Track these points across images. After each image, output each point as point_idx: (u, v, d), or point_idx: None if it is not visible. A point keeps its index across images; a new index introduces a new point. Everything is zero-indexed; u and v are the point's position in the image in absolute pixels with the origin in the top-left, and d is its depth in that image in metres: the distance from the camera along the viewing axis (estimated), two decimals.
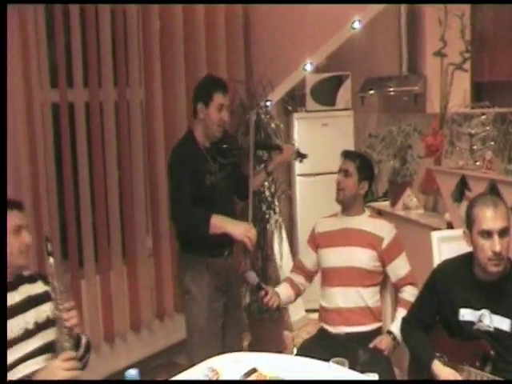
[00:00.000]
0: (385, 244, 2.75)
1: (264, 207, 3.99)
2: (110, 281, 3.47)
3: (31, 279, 2.14)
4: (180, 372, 2.07)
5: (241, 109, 3.98)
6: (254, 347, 3.75)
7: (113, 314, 3.50)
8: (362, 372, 2.04)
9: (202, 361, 2.17)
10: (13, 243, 2.00)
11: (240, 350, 2.33)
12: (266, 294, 2.70)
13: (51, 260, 2.01)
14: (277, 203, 4.10)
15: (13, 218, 2.01)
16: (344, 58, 4.72)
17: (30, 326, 2.04)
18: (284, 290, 2.87)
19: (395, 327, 2.62)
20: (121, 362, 3.47)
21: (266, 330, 3.90)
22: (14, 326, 1.99)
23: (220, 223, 2.66)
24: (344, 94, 4.89)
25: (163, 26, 3.68)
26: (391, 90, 4.70)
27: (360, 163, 2.84)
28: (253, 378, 1.99)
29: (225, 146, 2.86)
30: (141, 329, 3.66)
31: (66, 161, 3.24)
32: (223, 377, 1.99)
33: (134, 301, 3.62)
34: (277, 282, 4.10)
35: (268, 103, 4.10)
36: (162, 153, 3.71)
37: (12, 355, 1.95)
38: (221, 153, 2.86)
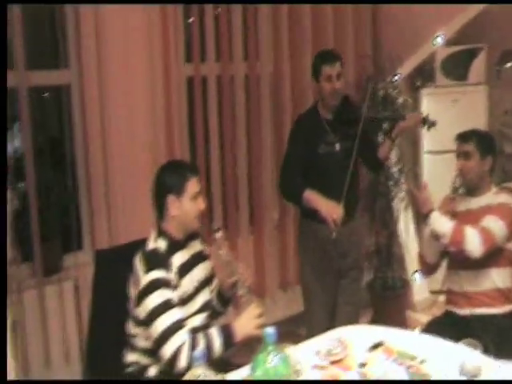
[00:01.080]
0: None
1: (391, 183, 3.81)
2: (238, 247, 3.51)
3: (194, 236, 2.18)
4: (301, 341, 2.03)
5: (368, 84, 3.80)
6: (375, 325, 3.61)
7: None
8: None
9: (319, 332, 2.13)
10: (190, 209, 2.03)
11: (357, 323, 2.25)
12: None
13: (220, 233, 2.08)
14: (403, 180, 3.90)
15: (193, 185, 2.04)
16: (478, 29, 4.31)
17: (197, 284, 2.09)
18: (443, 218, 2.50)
19: None
20: None
21: (388, 308, 3.75)
22: (187, 283, 2.05)
23: (311, 198, 2.71)
24: (477, 68, 4.47)
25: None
26: None
27: (478, 140, 2.57)
28: (379, 351, 1.92)
29: (346, 116, 2.86)
30: (264, 297, 3.68)
31: (199, 132, 3.30)
32: (351, 348, 1.92)
33: (259, 270, 3.63)
34: (400, 261, 3.98)
35: (396, 78, 3.89)
36: (290, 126, 3.62)
37: (186, 310, 2.00)
38: (344, 123, 2.86)
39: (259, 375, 1.32)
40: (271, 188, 3.65)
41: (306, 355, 1.89)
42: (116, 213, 2.94)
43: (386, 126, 3.41)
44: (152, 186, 2.08)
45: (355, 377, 1.76)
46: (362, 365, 1.82)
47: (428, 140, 4.28)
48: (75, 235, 3.02)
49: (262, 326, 1.91)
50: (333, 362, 1.85)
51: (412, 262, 3.93)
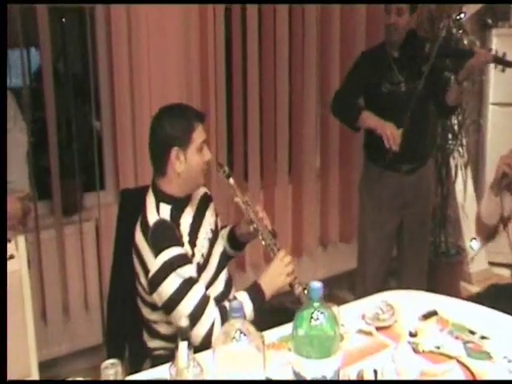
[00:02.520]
0: None
1: (449, 136, 3.68)
2: (274, 198, 3.46)
3: None
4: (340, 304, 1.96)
5: (428, 23, 3.63)
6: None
7: None
8: None
9: (372, 293, 2.07)
10: (196, 162, 1.89)
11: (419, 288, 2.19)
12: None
13: (231, 180, 2.01)
14: (463, 134, 3.77)
15: (199, 134, 1.89)
16: None
17: (210, 235, 2.01)
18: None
19: None
20: None
21: (439, 277, 3.67)
22: (200, 242, 1.95)
23: (367, 118, 2.79)
24: None
25: None
26: None
27: None
28: (433, 320, 1.86)
29: (413, 53, 2.86)
30: (302, 254, 3.63)
31: (236, 70, 3.22)
32: (398, 314, 1.85)
33: (297, 224, 3.59)
34: (455, 225, 3.88)
35: (461, 16, 3.70)
36: (337, 68, 3.56)
37: (205, 275, 1.94)
38: (410, 62, 2.86)
39: (301, 335, 1.27)
40: (311, 133, 3.59)
41: (350, 318, 1.83)
42: (142, 151, 2.89)
43: (453, 66, 3.30)
44: (150, 138, 1.90)
45: (405, 347, 1.70)
46: (413, 334, 1.76)
47: (495, 90, 4.12)
48: (98, 173, 2.99)
49: (293, 273, 1.91)
50: (379, 328, 1.80)
51: (469, 227, 3.83)
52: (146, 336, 2.01)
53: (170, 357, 1.28)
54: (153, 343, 1.99)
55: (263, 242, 1.99)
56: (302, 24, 3.46)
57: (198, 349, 1.73)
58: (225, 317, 1.77)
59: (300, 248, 3.63)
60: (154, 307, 1.90)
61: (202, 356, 1.45)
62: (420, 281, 3.09)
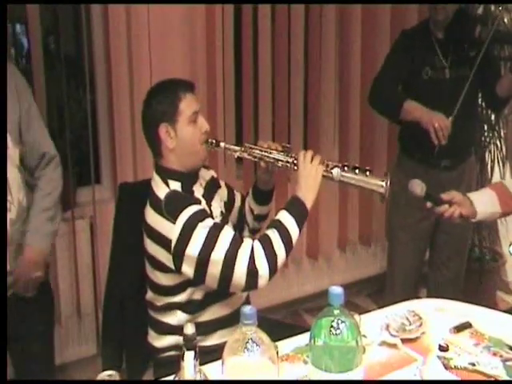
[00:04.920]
0: None
1: (485, 127, 3.67)
2: (288, 195, 3.45)
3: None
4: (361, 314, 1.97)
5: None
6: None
7: None
8: None
9: (401, 299, 2.08)
10: (190, 134, 1.96)
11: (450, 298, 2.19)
12: (439, 202, 2.31)
13: (222, 144, 2.03)
14: (501, 125, 3.75)
15: (188, 105, 1.95)
16: None
17: (219, 219, 2.05)
18: (483, 197, 2.34)
19: None
20: (293, 291, 3.55)
21: (472, 285, 3.66)
22: (215, 213, 2.04)
23: (412, 109, 2.73)
24: None
25: None
26: None
27: None
28: (466, 333, 1.85)
29: (461, 35, 2.81)
30: (318, 258, 3.67)
31: (247, 51, 3.23)
32: (427, 325, 1.86)
33: (313, 225, 3.60)
34: (492, 228, 3.86)
35: None
36: (358, 52, 3.58)
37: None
38: (458, 45, 2.83)
39: (319, 345, 1.28)
40: (330, 123, 3.64)
41: (373, 328, 1.84)
42: (142, 141, 2.88)
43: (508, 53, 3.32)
44: (141, 121, 2.01)
45: (434, 362, 1.70)
46: (443, 348, 1.76)
47: None
48: (93, 166, 3.01)
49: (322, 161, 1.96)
50: (405, 341, 1.80)
51: (508, 230, 3.82)
52: (152, 335, 2.06)
53: (176, 361, 1.30)
54: (161, 342, 2.03)
55: (280, 164, 2.04)
56: (319, 15, 3.49)
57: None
58: (265, 241, 1.86)
59: (316, 251, 3.66)
60: (171, 289, 1.96)
61: (209, 367, 1.47)
62: (453, 289, 3.10)
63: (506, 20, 3.61)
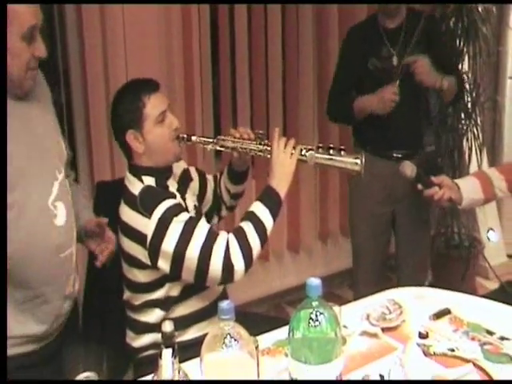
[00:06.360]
0: None
1: (462, 115, 3.69)
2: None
3: None
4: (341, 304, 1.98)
5: None
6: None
7: None
8: None
9: (366, 293, 2.09)
10: (160, 135, 1.95)
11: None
12: (429, 185, 2.33)
13: (194, 138, 2.04)
14: (478, 112, 3.77)
15: (154, 106, 1.94)
16: None
17: (193, 212, 2.05)
18: (467, 184, 2.40)
19: None
20: (276, 284, 3.56)
21: (452, 272, 3.69)
22: (189, 207, 2.05)
23: (363, 104, 2.78)
24: None
25: None
26: None
27: None
28: (445, 320, 1.87)
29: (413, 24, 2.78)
30: (299, 251, 3.67)
31: (224, 43, 3.24)
32: (407, 313, 1.87)
33: (293, 218, 3.61)
34: (470, 214, 3.89)
35: None
36: (336, 36, 3.57)
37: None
38: (408, 32, 2.79)
39: (298, 338, 1.28)
40: (309, 117, 3.63)
41: (353, 319, 1.84)
42: None
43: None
44: (111, 125, 2.03)
45: (414, 349, 1.72)
46: (423, 335, 1.77)
47: None
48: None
49: (297, 146, 1.97)
50: (386, 329, 1.81)
51: (485, 216, 3.85)
52: (130, 336, 2.05)
53: (155, 360, 1.29)
54: (139, 341, 2.03)
55: (254, 154, 2.06)
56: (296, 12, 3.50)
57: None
58: (240, 233, 1.88)
59: (297, 244, 3.66)
60: (149, 286, 1.96)
61: (188, 365, 1.46)
62: (418, 280, 3.02)
63: (479, 9, 3.62)
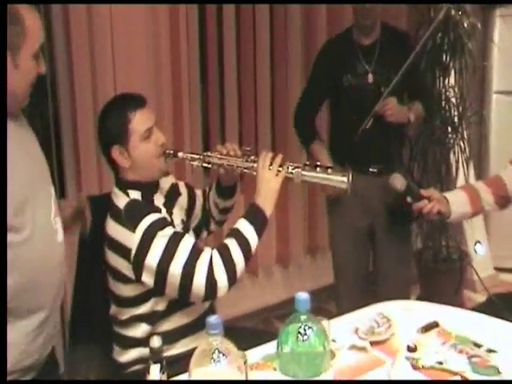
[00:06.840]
0: None
1: (449, 129, 3.72)
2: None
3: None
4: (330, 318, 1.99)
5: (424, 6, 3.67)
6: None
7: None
8: None
9: (349, 309, 2.09)
10: (146, 151, 1.95)
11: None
12: (419, 198, 2.33)
13: (180, 154, 2.04)
14: (464, 126, 3.80)
15: (139, 122, 1.93)
16: None
17: (180, 227, 2.05)
18: (456, 197, 2.40)
19: None
20: (265, 299, 3.56)
21: (440, 285, 3.70)
22: (176, 221, 2.05)
23: (316, 153, 2.91)
24: None
25: None
26: None
27: None
28: (433, 333, 1.88)
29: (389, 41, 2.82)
30: (288, 265, 3.68)
31: (212, 54, 3.27)
32: (396, 326, 1.87)
33: (282, 232, 3.62)
34: (457, 227, 3.91)
35: None
36: None
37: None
38: (384, 49, 2.82)
39: (287, 352, 1.28)
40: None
41: (342, 333, 1.84)
42: None
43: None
44: (97, 140, 2.05)
45: (402, 363, 1.72)
46: (411, 349, 1.77)
47: (500, 77, 4.16)
48: (57, 180, 2.97)
49: (283, 164, 1.96)
50: (374, 343, 1.81)
51: (473, 229, 3.86)
52: (116, 351, 2.04)
53: (142, 375, 1.28)
54: (126, 356, 2.01)
55: (240, 171, 2.06)
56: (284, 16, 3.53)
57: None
58: (224, 251, 1.86)
59: (286, 258, 3.66)
60: (134, 301, 1.95)
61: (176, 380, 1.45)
62: (399, 296, 3.04)
63: (465, 24, 3.68)
